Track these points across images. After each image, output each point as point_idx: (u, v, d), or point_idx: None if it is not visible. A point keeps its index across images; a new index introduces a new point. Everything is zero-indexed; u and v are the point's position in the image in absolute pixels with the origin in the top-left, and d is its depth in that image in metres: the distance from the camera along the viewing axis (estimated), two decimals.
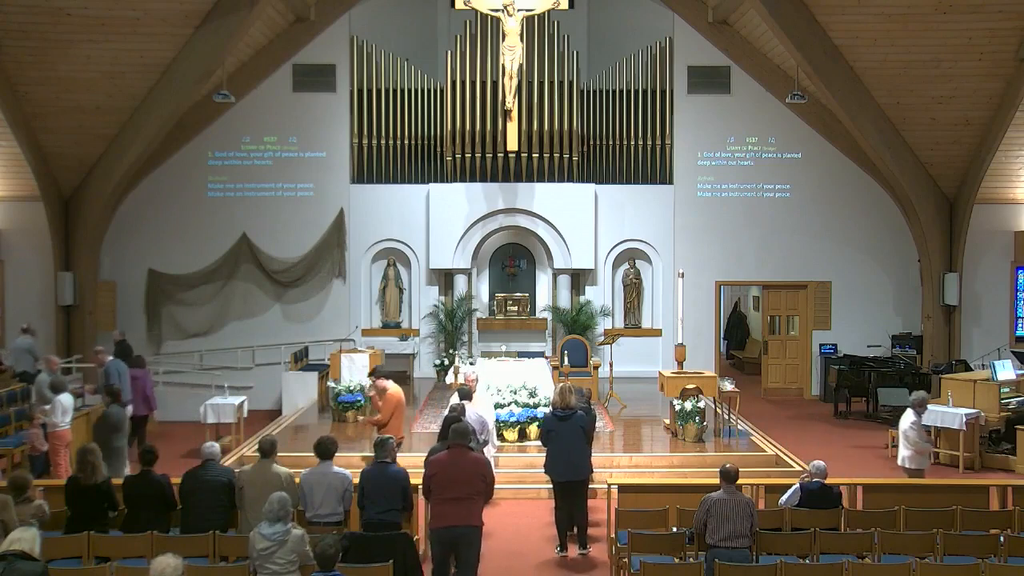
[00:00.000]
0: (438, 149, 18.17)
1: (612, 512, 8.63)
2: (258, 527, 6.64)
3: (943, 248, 16.95)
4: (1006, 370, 13.28)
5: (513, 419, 12.38)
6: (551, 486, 10.10)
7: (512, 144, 17.16)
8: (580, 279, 18.24)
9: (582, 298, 18.11)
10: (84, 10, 13.94)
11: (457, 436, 7.57)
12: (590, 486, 9.71)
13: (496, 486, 10.92)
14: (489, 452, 10.25)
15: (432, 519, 7.47)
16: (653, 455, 12.09)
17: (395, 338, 17.97)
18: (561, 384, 9.72)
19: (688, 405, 12.44)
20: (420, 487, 7.70)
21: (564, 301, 18.09)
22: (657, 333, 18.29)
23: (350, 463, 9.44)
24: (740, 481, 7.53)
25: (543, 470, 9.48)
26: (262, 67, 17.62)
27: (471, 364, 14.91)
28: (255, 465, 8.00)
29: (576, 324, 17.59)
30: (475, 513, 7.41)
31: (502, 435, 12.17)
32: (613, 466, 11.59)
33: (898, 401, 14.93)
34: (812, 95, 16.93)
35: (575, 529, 9.31)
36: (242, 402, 14.00)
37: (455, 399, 10.22)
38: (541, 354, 17.25)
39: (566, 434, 9.14)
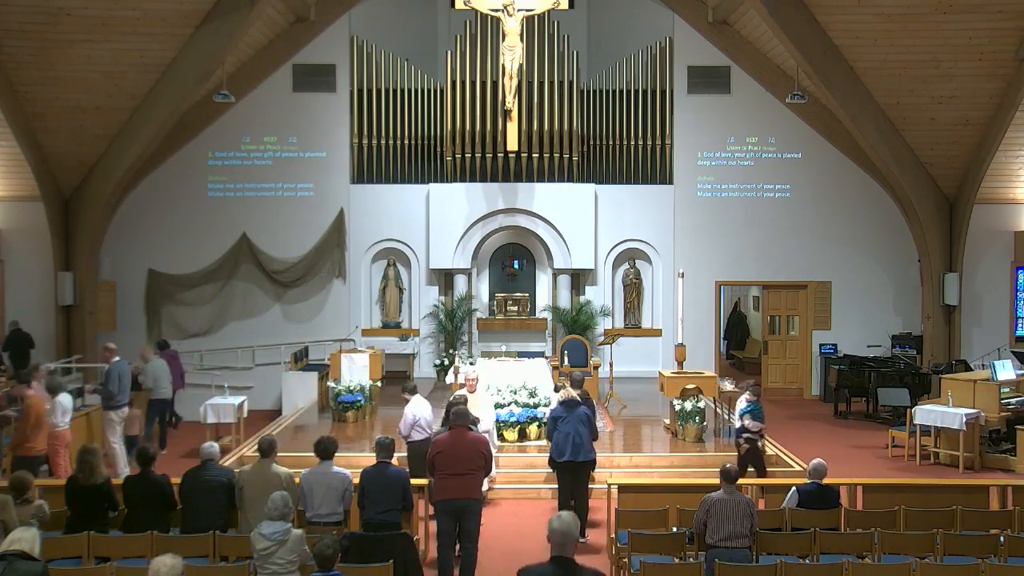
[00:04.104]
0: (438, 149, 18.17)
1: (612, 512, 8.62)
2: (258, 527, 6.64)
3: (943, 248, 16.94)
4: (1006, 370, 13.27)
5: (513, 419, 12.36)
6: (554, 486, 10.17)
7: (512, 144, 17.16)
8: (580, 279, 18.23)
9: (582, 298, 18.10)
10: (84, 10, 13.95)
11: (458, 418, 8.12)
12: (591, 485, 9.80)
13: (496, 486, 11.06)
14: None
15: (437, 492, 7.97)
16: (653, 455, 12.10)
17: (395, 338, 18.00)
18: (564, 389, 10.14)
19: (688, 405, 12.44)
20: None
21: (564, 301, 18.09)
22: (657, 333, 18.29)
23: (350, 463, 9.43)
24: (740, 481, 7.54)
25: (548, 462, 9.74)
26: (262, 67, 17.62)
27: (471, 364, 14.90)
28: (255, 465, 8.00)
29: (576, 324, 17.58)
30: (476, 486, 8.03)
31: (502, 435, 12.16)
32: (613, 466, 11.58)
33: (898, 401, 14.92)
34: (812, 95, 16.92)
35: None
36: (242, 402, 13.99)
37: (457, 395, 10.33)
38: (541, 354, 17.23)
39: (573, 419, 9.49)
